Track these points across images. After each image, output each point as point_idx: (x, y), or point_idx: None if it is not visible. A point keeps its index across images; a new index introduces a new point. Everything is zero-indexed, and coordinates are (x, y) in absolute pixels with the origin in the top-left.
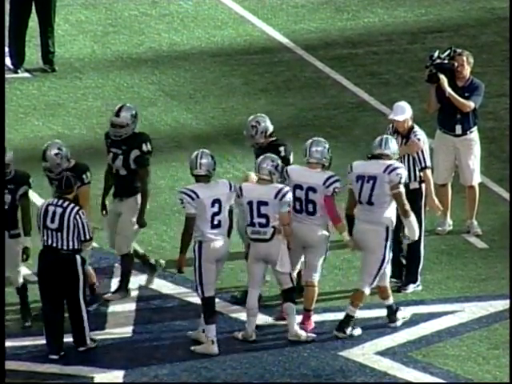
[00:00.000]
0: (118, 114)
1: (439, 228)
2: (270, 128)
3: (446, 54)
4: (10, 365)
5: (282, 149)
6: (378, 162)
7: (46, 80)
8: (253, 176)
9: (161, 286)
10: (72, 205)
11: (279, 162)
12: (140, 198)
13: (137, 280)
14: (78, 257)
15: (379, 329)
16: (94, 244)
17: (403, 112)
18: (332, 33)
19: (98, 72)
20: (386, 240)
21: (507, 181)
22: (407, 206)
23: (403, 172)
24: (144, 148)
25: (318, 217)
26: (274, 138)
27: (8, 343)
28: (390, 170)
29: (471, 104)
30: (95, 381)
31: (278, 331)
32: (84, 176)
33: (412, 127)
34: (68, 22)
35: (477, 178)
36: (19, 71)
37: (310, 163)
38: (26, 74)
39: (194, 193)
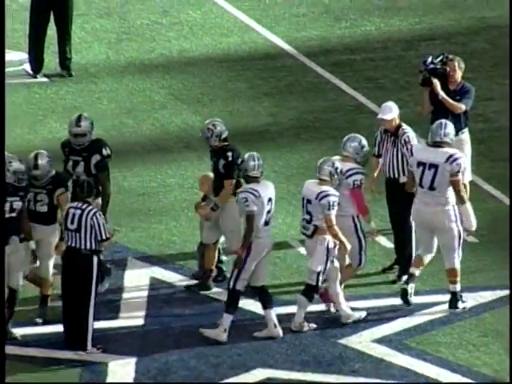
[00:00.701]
0: (78, 125)
1: None
2: (225, 133)
3: (439, 59)
4: (28, 351)
5: (229, 154)
6: (439, 150)
7: (63, 84)
8: (211, 175)
9: (171, 277)
10: (90, 207)
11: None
12: (101, 201)
13: (148, 272)
14: (95, 258)
15: (376, 318)
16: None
17: (390, 111)
18: (331, 40)
19: (112, 77)
20: (456, 216)
21: (496, 179)
22: (463, 193)
23: (463, 161)
24: (104, 152)
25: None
26: (226, 143)
27: (27, 331)
28: (452, 161)
29: (462, 106)
30: (109, 367)
31: (282, 320)
32: (68, 183)
33: (400, 125)
34: (84, 30)
35: (468, 177)
36: (38, 76)
37: (344, 156)
38: (45, 79)
39: (257, 192)
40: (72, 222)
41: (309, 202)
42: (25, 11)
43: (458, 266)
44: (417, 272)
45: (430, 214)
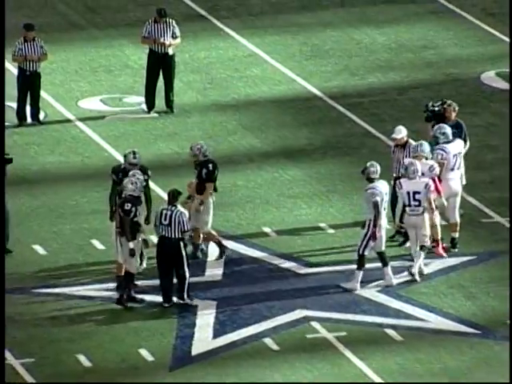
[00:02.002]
0: (134, 157)
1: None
2: (207, 151)
3: (439, 103)
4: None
5: (210, 165)
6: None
7: (167, 118)
8: (194, 182)
9: (240, 249)
10: (177, 208)
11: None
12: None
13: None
14: (181, 242)
15: (379, 275)
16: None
17: (400, 132)
18: (348, 88)
19: (200, 113)
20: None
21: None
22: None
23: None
24: (147, 175)
25: None
26: (207, 158)
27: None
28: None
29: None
30: (198, 307)
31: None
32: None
33: (407, 141)
34: (181, 82)
35: (463, 181)
36: (151, 113)
37: (416, 157)
38: (156, 115)
39: (378, 187)
40: (165, 219)
41: (417, 193)
42: (143, 70)
43: (458, 220)
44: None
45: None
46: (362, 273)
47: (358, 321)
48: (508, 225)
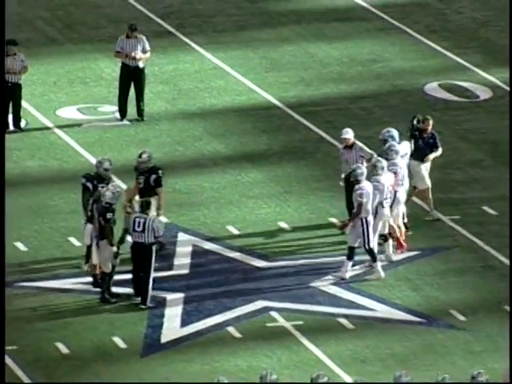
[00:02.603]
0: (140, 156)
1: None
2: (152, 159)
3: (417, 120)
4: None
5: (160, 171)
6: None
7: (138, 126)
8: (133, 186)
9: (206, 245)
10: (149, 216)
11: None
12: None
13: (191, 241)
14: (153, 247)
15: (334, 270)
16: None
17: (347, 133)
18: (304, 98)
19: (169, 121)
20: None
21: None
22: None
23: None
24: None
25: None
26: (153, 165)
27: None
28: None
29: (438, 152)
30: (167, 299)
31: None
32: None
33: (354, 143)
34: (151, 92)
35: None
36: (124, 120)
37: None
38: (127, 122)
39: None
40: (139, 226)
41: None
42: (115, 81)
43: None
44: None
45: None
46: (379, 264)
47: (313, 311)
48: (450, 223)
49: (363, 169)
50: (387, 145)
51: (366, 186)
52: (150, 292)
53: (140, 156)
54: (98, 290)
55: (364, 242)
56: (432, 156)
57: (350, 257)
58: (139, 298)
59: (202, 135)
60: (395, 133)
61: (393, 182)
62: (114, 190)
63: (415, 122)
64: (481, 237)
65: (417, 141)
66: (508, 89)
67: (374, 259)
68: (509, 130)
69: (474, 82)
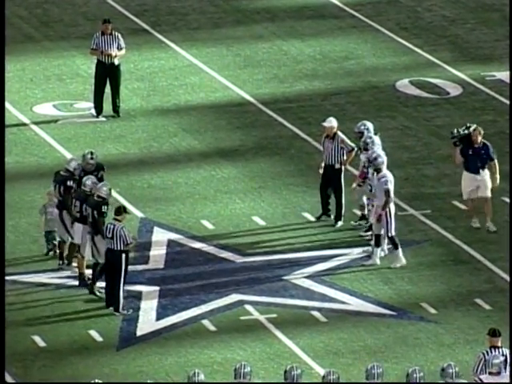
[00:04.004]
0: (91, 157)
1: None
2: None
3: (464, 128)
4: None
5: (102, 172)
6: None
7: (114, 122)
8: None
9: (181, 239)
10: (120, 223)
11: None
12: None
13: (166, 235)
14: (123, 255)
15: (306, 263)
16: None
17: (331, 122)
18: (277, 94)
19: (144, 117)
20: None
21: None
22: None
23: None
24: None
25: None
26: (96, 165)
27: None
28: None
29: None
30: (142, 293)
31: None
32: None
33: (336, 133)
34: (127, 89)
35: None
36: (99, 117)
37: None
38: (103, 119)
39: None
40: (109, 232)
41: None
42: (91, 78)
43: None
44: None
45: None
46: (400, 250)
47: (286, 304)
48: (421, 217)
49: (384, 157)
50: (364, 137)
51: (388, 173)
52: (122, 300)
53: (92, 158)
54: (73, 283)
55: (387, 230)
56: (496, 172)
57: (377, 244)
58: (110, 309)
59: (176, 131)
60: (370, 125)
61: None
62: (107, 184)
63: (461, 131)
64: (452, 231)
65: (466, 151)
66: (477, 85)
67: (395, 246)
68: (509, 129)
69: (444, 78)
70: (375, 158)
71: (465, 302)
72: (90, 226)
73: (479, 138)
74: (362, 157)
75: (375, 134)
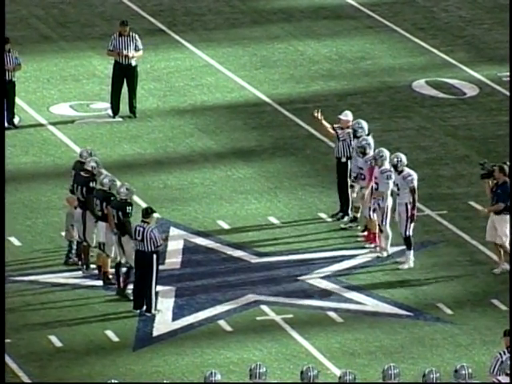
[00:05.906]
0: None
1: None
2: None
3: (490, 165)
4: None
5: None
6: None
7: (131, 122)
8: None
9: (197, 240)
10: (149, 225)
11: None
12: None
13: (183, 236)
14: (154, 256)
15: (323, 264)
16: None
17: (347, 116)
18: (293, 95)
19: (160, 117)
20: None
21: None
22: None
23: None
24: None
25: None
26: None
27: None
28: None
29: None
30: (159, 293)
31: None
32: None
33: (348, 126)
34: (143, 89)
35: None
36: (116, 117)
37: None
38: (120, 119)
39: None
40: (138, 235)
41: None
42: (108, 78)
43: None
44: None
45: None
46: (412, 252)
47: (302, 304)
48: (437, 218)
49: (386, 152)
50: (360, 139)
51: (411, 171)
52: (154, 300)
53: (90, 155)
54: (89, 283)
55: (405, 229)
56: (493, 208)
57: (409, 246)
58: (138, 311)
59: (193, 131)
60: (365, 124)
61: (377, 174)
62: (127, 185)
63: (487, 165)
64: (468, 231)
65: (492, 187)
66: (494, 86)
67: (408, 247)
68: (509, 129)
69: (460, 79)
70: (381, 156)
71: (481, 303)
72: (116, 227)
73: (502, 177)
74: (360, 160)
75: (368, 134)
